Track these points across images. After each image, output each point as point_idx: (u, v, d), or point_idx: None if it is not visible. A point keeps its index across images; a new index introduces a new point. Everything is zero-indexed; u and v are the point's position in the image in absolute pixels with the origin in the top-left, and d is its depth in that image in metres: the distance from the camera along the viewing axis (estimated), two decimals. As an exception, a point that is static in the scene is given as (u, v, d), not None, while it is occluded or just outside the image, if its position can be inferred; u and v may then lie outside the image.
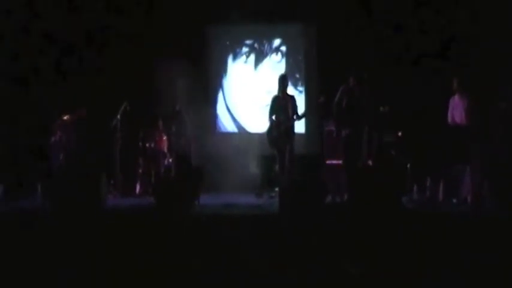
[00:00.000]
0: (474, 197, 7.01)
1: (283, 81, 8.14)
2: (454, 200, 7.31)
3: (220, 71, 10.69)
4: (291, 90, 9.05)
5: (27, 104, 8.73)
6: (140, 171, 8.65)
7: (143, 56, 9.36)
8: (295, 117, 7.95)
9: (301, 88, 10.43)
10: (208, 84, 10.35)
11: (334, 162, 8.17)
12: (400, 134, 8.02)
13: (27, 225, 5.67)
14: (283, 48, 10.72)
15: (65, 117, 8.21)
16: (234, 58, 10.79)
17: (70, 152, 8.09)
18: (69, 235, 5.19)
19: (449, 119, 7.70)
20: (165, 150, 8.80)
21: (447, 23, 9.03)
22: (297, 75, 10.53)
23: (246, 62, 10.76)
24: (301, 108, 8.29)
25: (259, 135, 8.75)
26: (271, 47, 10.75)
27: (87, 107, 8.30)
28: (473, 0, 8.85)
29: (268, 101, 8.15)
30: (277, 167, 8.00)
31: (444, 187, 7.39)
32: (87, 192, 6.59)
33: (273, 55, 10.72)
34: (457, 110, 7.63)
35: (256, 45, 10.80)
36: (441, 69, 8.53)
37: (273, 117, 8.04)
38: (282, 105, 8.03)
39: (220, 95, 10.66)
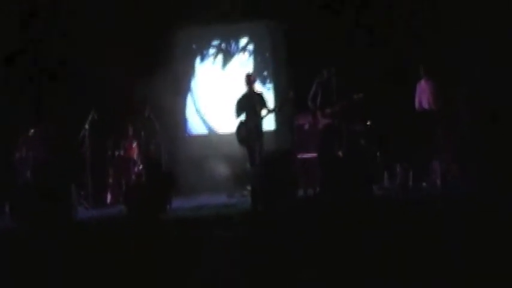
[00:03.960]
0: (443, 180, 7.04)
1: (248, 80, 8.12)
2: (424, 184, 7.35)
3: (188, 73, 10.65)
4: (259, 87, 9.00)
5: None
6: (110, 180, 8.54)
7: (109, 61, 9.24)
8: (265, 112, 7.92)
9: (269, 85, 10.40)
10: (177, 87, 10.27)
11: (306, 156, 8.15)
12: (368, 123, 8.02)
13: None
14: (250, 46, 10.70)
15: (30, 131, 8.06)
16: (202, 60, 10.76)
17: (37, 166, 7.95)
18: (40, 252, 5.08)
19: (417, 105, 7.75)
20: (135, 157, 8.70)
21: (412, 9, 9.04)
22: (265, 73, 10.51)
23: (213, 63, 10.72)
24: (270, 105, 8.30)
25: (229, 136, 8.70)
26: (238, 47, 10.73)
27: (52, 118, 8.17)
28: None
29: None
30: (248, 165, 7.98)
31: (414, 172, 7.42)
32: (56, 205, 6.48)
33: (240, 54, 10.69)
34: (424, 95, 7.67)
35: (223, 45, 10.77)
36: (407, 54, 8.54)
37: (242, 116, 8.02)
38: (249, 103, 8.00)
39: (189, 98, 10.61)
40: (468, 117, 7.43)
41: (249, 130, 7.86)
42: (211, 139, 10.16)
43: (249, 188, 7.46)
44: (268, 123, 8.76)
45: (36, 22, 9.24)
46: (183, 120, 10.52)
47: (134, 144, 8.78)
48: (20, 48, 9.09)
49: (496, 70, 7.83)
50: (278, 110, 8.25)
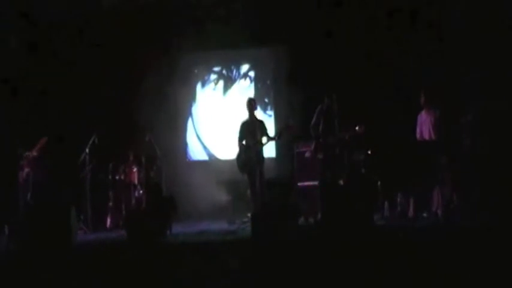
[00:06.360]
0: (444, 210, 7.04)
1: (250, 105, 8.16)
2: (425, 214, 7.34)
3: (189, 99, 10.69)
4: (260, 114, 9.04)
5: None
6: (110, 204, 8.52)
7: (112, 86, 9.31)
8: (265, 139, 7.95)
9: (270, 112, 10.45)
10: (178, 112, 10.31)
11: (306, 183, 8.16)
12: (369, 152, 8.04)
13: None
14: (252, 73, 10.77)
15: (30, 153, 8.03)
16: (203, 85, 10.82)
17: (38, 188, 7.92)
18: (39, 275, 5.06)
19: (418, 135, 7.76)
20: (136, 182, 8.70)
21: (412, 40, 9.12)
22: (266, 100, 10.56)
23: (214, 89, 10.79)
24: (271, 132, 8.32)
25: (229, 162, 8.71)
26: (239, 73, 10.80)
27: (53, 142, 8.15)
28: (436, 15, 8.97)
29: (237, 127, 8.16)
30: (248, 192, 7.97)
31: (414, 202, 7.42)
32: (56, 229, 6.45)
33: (242, 81, 10.76)
34: (425, 125, 7.69)
35: (224, 71, 10.84)
36: (408, 85, 8.60)
37: (243, 142, 8.05)
38: (250, 130, 8.04)
39: (189, 123, 10.65)
40: (469, 147, 7.46)
41: (250, 157, 7.88)
42: (211, 165, 10.17)
43: (249, 214, 7.44)
44: (269, 150, 8.78)
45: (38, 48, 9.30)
46: (184, 146, 10.55)
47: (135, 169, 8.78)
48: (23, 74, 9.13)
49: (498, 99, 7.90)
50: (278, 138, 8.28)
